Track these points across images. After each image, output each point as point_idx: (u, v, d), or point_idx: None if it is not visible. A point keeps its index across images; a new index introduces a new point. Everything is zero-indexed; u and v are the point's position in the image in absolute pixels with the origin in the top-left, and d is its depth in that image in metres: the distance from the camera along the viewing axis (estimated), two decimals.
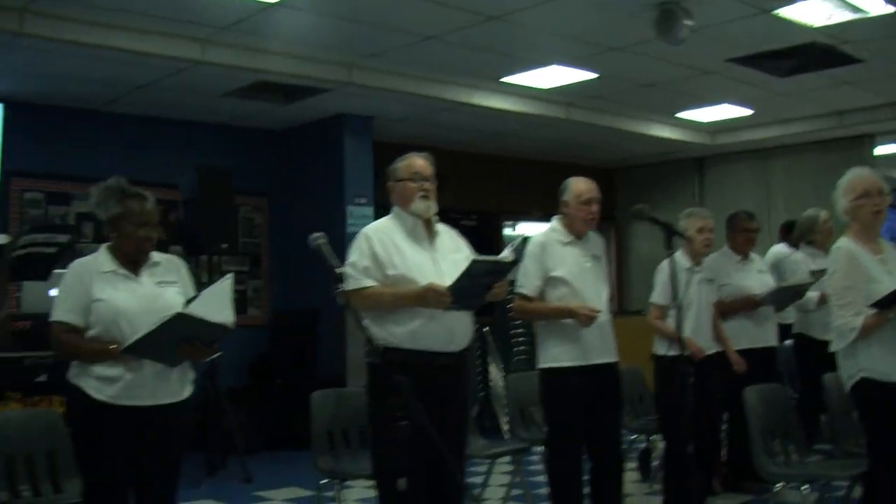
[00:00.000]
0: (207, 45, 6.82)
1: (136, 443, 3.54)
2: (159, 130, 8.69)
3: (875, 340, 3.98)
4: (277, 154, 9.51)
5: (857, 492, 4.66)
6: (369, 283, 3.79)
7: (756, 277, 5.99)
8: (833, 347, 4.15)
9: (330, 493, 4.64)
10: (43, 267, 3.17)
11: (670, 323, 5.06)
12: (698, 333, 5.30)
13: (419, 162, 4.04)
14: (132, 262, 3.65)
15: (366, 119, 9.04)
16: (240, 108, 8.53)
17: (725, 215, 6.17)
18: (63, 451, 4.14)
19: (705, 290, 5.48)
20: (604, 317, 4.53)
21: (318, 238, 3.38)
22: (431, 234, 4.01)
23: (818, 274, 5.66)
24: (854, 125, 9.94)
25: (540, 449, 5.28)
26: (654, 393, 5.58)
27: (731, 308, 5.79)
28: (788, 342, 6.62)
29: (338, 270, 3.49)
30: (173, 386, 3.63)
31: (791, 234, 7.07)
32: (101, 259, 3.62)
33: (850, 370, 4.08)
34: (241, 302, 8.79)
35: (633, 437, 6.33)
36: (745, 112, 9.78)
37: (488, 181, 11.17)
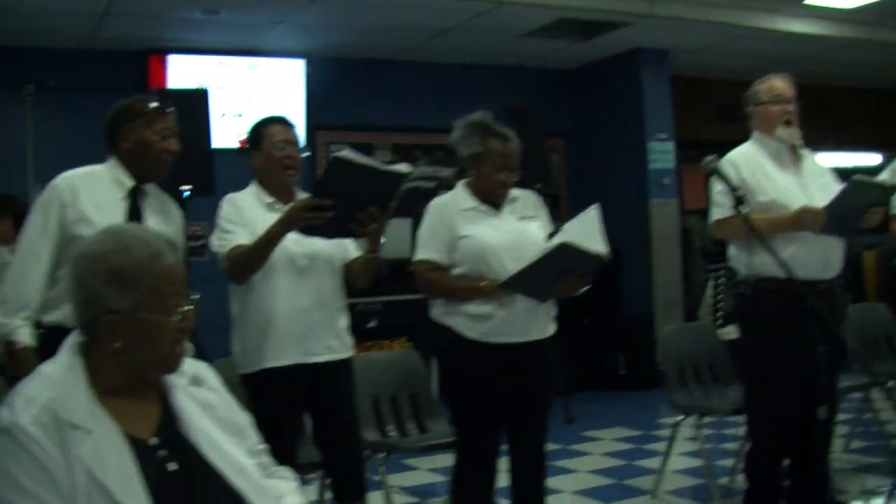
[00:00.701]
0: None
1: (508, 380, 3.51)
2: (455, 76, 8.70)
3: None
4: (572, 94, 9.33)
5: None
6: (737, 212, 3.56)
7: None
8: None
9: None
10: (422, 203, 3.13)
11: None
12: None
13: (779, 83, 3.78)
14: (490, 199, 3.60)
15: (662, 52, 8.70)
16: (535, 48, 8.42)
17: None
18: (424, 393, 4.24)
19: None
20: None
21: (712, 161, 3.20)
22: (796, 158, 3.74)
23: None
24: None
25: None
26: None
27: None
28: None
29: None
30: (542, 321, 3.58)
31: None
32: (460, 196, 3.59)
33: None
34: None
35: None
36: None
37: None
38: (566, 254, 3.33)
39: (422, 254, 3.56)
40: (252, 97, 7.75)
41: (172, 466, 1.83)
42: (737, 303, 3.82)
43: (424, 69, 8.60)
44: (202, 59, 7.61)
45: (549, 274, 3.40)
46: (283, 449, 2.66)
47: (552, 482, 4.32)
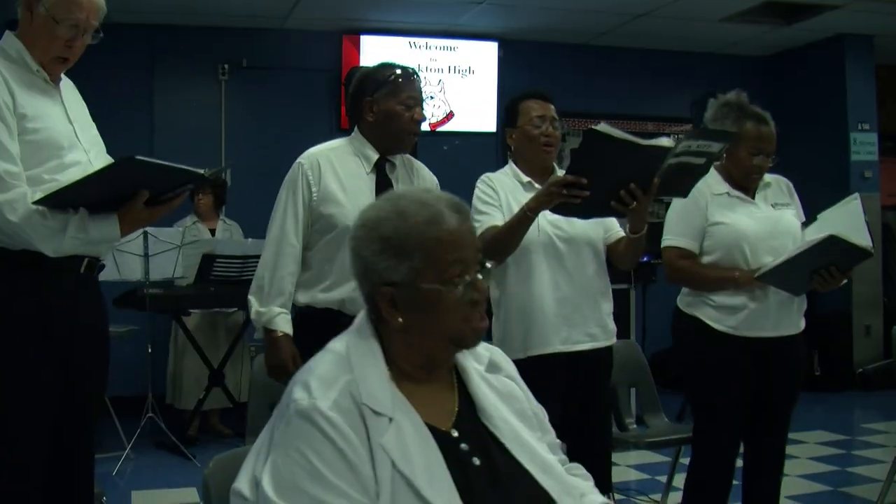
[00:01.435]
0: None
1: (755, 376, 3.31)
2: (650, 62, 8.44)
3: None
4: (769, 80, 8.92)
5: None
6: None
7: None
8: None
9: None
10: (689, 182, 2.93)
11: None
12: None
13: None
14: (742, 184, 3.39)
15: (867, 38, 8.23)
16: (732, 33, 8.07)
17: None
18: (647, 385, 4.10)
19: None
20: None
21: None
22: None
23: None
24: None
25: None
26: None
27: None
28: None
29: None
30: (794, 316, 3.36)
31: None
32: (712, 180, 3.37)
33: None
34: None
35: None
36: None
37: None
38: (832, 247, 3.10)
39: (671, 240, 3.39)
40: (443, 79, 7.68)
41: (477, 461, 1.67)
42: None
43: (615, 55, 8.36)
44: (394, 40, 7.59)
45: (808, 267, 3.18)
46: None
47: None
